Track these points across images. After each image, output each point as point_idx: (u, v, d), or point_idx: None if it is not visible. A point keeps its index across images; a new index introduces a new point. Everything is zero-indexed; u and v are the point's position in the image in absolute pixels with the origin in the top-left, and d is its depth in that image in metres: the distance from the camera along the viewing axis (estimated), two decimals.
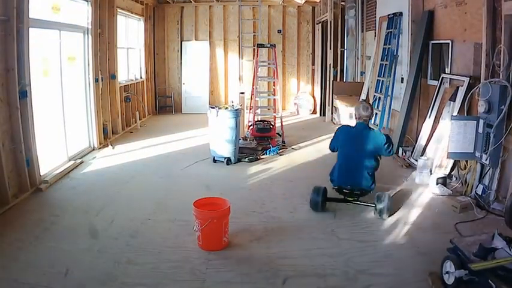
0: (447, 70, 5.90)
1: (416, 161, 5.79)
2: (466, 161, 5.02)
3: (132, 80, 9.85)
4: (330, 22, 9.80)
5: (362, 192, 4.53)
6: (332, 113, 10.07)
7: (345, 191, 4.55)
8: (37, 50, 5.39)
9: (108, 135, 7.94)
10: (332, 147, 4.75)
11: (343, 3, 10.45)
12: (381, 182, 5.42)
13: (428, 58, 6.51)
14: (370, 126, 4.64)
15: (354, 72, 10.50)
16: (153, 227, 4.15)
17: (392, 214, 4.35)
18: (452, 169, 5.41)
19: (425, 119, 6.21)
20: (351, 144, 4.53)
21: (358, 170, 4.45)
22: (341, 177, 4.53)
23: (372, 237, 3.92)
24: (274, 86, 8.52)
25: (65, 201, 4.89)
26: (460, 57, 5.57)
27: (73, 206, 4.70)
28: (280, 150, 7.15)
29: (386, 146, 4.44)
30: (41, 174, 5.31)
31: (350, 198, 4.55)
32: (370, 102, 8.44)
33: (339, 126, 5.00)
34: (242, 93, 8.37)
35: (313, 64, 11.86)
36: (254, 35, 11.47)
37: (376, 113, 8.01)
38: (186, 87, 11.73)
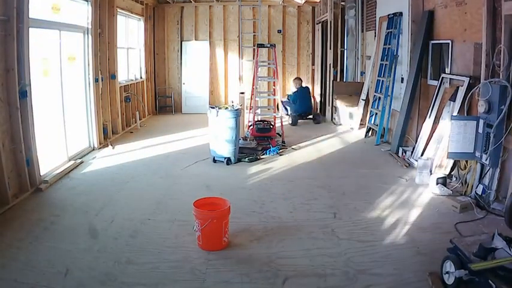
0: (447, 70, 5.90)
1: (416, 161, 5.79)
2: (466, 161, 5.02)
3: (132, 80, 9.85)
4: (330, 22, 9.80)
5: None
6: (332, 113, 10.07)
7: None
8: (37, 50, 5.39)
9: (108, 135, 7.94)
10: (293, 100, 9.84)
11: (343, 3, 10.44)
12: (380, 181, 5.45)
13: (428, 58, 6.51)
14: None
15: (354, 72, 10.50)
16: (153, 227, 4.15)
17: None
18: (452, 169, 5.42)
19: (425, 119, 6.21)
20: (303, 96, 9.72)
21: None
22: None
23: (371, 237, 3.92)
24: (274, 86, 8.52)
25: (64, 201, 4.89)
26: (460, 57, 5.57)
27: (73, 206, 4.70)
28: (280, 150, 7.15)
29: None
30: (41, 174, 5.31)
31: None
32: (370, 102, 8.47)
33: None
34: (242, 93, 8.38)
35: (313, 64, 11.86)
36: (254, 35, 11.48)
37: (376, 113, 8.03)
38: (186, 87, 11.73)
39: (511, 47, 4.34)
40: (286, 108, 10.06)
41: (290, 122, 9.62)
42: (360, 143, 7.94)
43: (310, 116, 10.14)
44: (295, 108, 9.82)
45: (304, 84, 10.74)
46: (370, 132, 8.27)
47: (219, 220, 3.62)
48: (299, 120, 9.74)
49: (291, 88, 12.03)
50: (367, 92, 8.89)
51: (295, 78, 10.59)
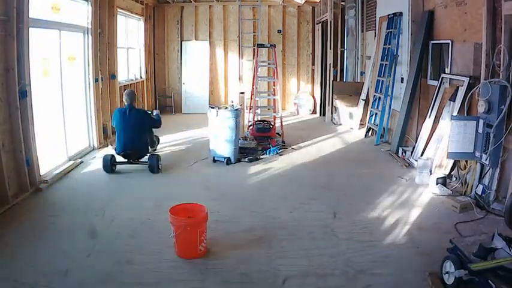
0: (447, 70, 5.90)
1: (416, 161, 5.79)
2: (466, 161, 5.02)
3: (132, 80, 9.84)
4: (330, 22, 9.79)
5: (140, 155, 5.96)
6: (332, 113, 10.07)
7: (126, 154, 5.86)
8: (37, 49, 5.39)
9: (108, 135, 7.94)
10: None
11: (343, 3, 10.44)
12: (380, 181, 5.45)
13: (428, 58, 6.51)
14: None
15: (353, 72, 10.50)
16: (152, 227, 4.15)
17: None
18: (452, 169, 5.41)
19: (425, 119, 6.21)
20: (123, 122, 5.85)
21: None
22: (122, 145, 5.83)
23: (371, 237, 3.92)
24: (274, 86, 8.52)
25: (64, 201, 4.89)
26: (460, 57, 5.56)
27: (73, 206, 4.70)
28: (280, 150, 7.15)
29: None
30: (41, 174, 5.31)
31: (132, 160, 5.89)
32: (370, 102, 8.44)
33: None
34: (242, 93, 8.37)
35: (313, 64, 11.85)
36: (254, 35, 11.47)
37: (376, 113, 8.02)
38: (186, 87, 11.73)
39: (511, 47, 4.33)
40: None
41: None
42: (359, 143, 7.93)
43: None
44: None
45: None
46: (370, 132, 8.27)
47: (193, 228, 3.48)
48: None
49: (292, 90, 12.03)
50: (367, 92, 8.89)
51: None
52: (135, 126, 5.83)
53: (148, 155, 6.02)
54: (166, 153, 7.14)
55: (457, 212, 4.44)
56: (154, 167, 5.83)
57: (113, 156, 5.91)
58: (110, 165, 5.83)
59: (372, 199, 4.85)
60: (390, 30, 7.60)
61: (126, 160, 5.96)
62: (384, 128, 7.72)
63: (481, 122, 4.57)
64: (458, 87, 5.45)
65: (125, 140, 5.84)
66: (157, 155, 6.08)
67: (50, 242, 3.78)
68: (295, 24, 11.80)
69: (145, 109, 8.64)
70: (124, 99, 6.04)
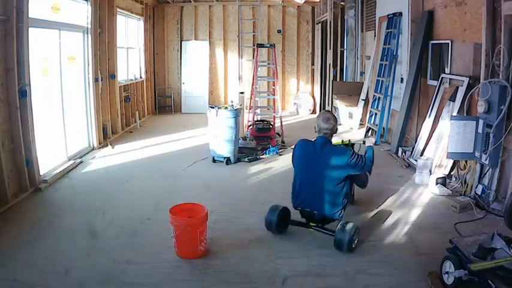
0: (447, 70, 5.90)
1: (416, 161, 5.79)
2: (466, 161, 5.02)
3: (131, 80, 9.84)
4: (330, 22, 9.79)
5: (326, 219, 3.78)
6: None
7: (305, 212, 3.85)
8: (37, 49, 5.38)
9: (107, 135, 7.94)
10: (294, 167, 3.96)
11: (343, 3, 10.45)
12: (380, 181, 5.45)
13: (428, 58, 6.51)
14: (333, 142, 3.84)
15: (353, 72, 10.51)
16: (152, 226, 4.15)
17: (353, 249, 3.56)
18: (451, 169, 5.42)
19: (424, 119, 6.22)
20: (308, 164, 3.78)
21: (319, 195, 3.69)
22: (301, 199, 3.82)
23: (371, 237, 3.91)
24: (274, 85, 8.51)
25: (64, 201, 4.89)
26: (460, 57, 5.57)
27: (72, 205, 4.70)
28: (280, 150, 7.15)
29: (353, 162, 3.57)
30: (41, 174, 5.30)
31: (313, 224, 3.81)
32: (370, 102, 8.44)
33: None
34: (242, 93, 8.37)
35: (312, 64, 11.85)
36: (254, 35, 11.47)
37: (376, 113, 8.02)
38: (185, 87, 11.72)
39: (511, 47, 4.33)
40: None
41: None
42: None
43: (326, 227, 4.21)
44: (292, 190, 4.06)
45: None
46: (370, 132, 8.27)
47: (193, 228, 3.48)
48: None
49: (292, 89, 12.01)
50: (367, 92, 8.89)
51: (324, 113, 4.07)
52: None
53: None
54: (166, 153, 7.14)
55: (457, 212, 4.44)
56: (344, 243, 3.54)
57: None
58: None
59: (371, 199, 4.85)
60: (390, 30, 7.60)
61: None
62: (383, 128, 7.72)
63: (480, 122, 4.57)
64: (458, 87, 5.45)
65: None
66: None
67: (50, 242, 3.77)
68: (294, 24, 11.80)
69: (145, 109, 8.47)
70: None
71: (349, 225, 3.54)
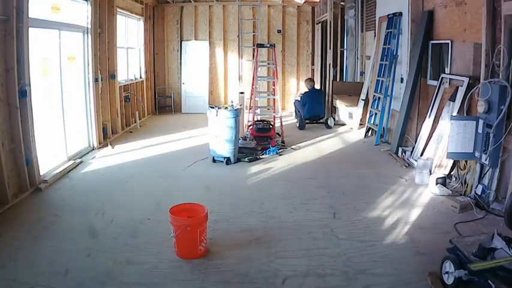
0: (447, 70, 5.90)
1: (416, 161, 5.79)
2: (466, 161, 5.02)
3: (131, 80, 9.84)
4: (330, 22, 9.80)
5: (321, 117, 9.27)
6: (332, 113, 10.07)
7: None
8: (37, 49, 5.38)
9: (107, 135, 7.94)
10: (303, 104, 9.22)
11: (343, 3, 10.45)
12: (380, 181, 5.46)
13: (428, 58, 6.51)
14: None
15: (353, 72, 10.51)
16: (152, 226, 4.16)
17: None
18: (451, 169, 5.42)
19: (424, 119, 6.22)
20: (313, 97, 9.29)
21: (319, 108, 9.30)
22: (312, 111, 9.19)
23: (371, 237, 3.92)
24: (274, 85, 8.51)
25: (64, 201, 4.89)
26: (460, 57, 5.57)
27: (72, 205, 4.70)
28: (280, 150, 7.15)
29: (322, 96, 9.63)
30: (41, 174, 5.30)
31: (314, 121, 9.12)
32: (370, 102, 8.48)
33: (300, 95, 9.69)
34: (242, 93, 8.38)
35: (312, 64, 11.86)
36: (254, 35, 11.47)
37: (376, 113, 8.03)
38: (185, 87, 11.73)
39: (511, 47, 4.34)
40: (298, 111, 9.45)
41: (297, 125, 9.26)
42: (359, 143, 7.94)
43: (322, 120, 9.29)
44: (304, 111, 9.15)
45: (317, 86, 10.49)
46: (370, 132, 8.27)
47: (193, 228, 3.48)
48: (308, 124, 9.19)
49: (292, 89, 12.07)
50: (367, 92, 8.89)
51: (307, 79, 9.74)
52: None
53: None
54: (166, 153, 7.15)
55: (457, 212, 4.44)
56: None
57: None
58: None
59: (371, 199, 4.85)
60: (390, 30, 7.60)
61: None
62: (383, 128, 7.72)
63: (480, 122, 4.57)
64: (458, 87, 5.45)
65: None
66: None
67: (50, 242, 3.77)
68: (294, 24, 11.80)
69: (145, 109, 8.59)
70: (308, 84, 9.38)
71: (330, 118, 9.17)
